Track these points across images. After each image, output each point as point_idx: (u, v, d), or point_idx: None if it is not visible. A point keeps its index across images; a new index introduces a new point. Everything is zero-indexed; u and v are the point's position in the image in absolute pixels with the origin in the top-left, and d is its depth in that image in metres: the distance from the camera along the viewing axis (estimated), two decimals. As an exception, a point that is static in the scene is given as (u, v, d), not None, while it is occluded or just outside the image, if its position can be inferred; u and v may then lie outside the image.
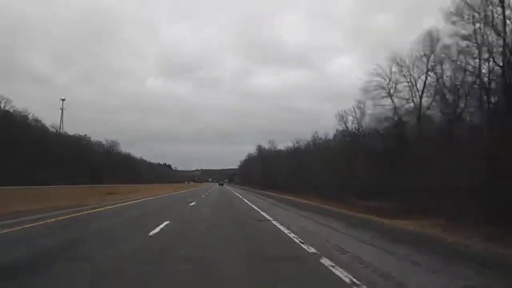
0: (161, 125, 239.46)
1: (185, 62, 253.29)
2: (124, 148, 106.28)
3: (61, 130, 76.98)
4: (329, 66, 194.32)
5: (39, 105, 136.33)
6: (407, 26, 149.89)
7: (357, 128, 35.31)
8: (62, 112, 76.78)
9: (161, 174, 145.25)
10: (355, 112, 35.13)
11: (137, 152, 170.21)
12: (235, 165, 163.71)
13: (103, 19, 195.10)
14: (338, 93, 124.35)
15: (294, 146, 59.55)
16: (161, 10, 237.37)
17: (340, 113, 36.37)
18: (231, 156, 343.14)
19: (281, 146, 78.88)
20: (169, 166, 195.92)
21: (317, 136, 52.38)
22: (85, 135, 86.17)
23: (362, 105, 34.61)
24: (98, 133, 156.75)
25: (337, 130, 42.34)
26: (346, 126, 36.24)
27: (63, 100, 76.75)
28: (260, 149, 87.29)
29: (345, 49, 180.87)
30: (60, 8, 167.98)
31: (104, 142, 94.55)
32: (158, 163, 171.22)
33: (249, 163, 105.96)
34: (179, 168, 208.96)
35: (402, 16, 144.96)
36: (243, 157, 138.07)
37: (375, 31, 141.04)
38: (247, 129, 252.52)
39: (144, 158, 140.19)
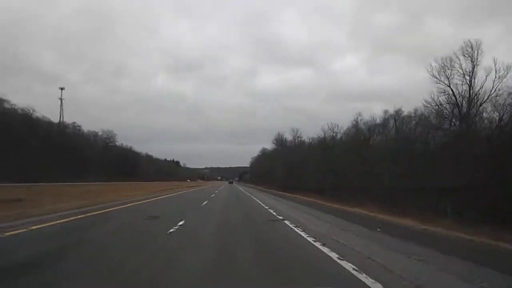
0: (170, 123, 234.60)
1: (190, 60, 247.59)
2: (135, 146, 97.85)
3: (60, 122, 68.83)
4: (334, 65, 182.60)
5: (43, 102, 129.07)
6: (410, 25, 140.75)
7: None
8: (61, 102, 69.31)
9: (167, 171, 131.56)
10: (461, 64, 19.84)
11: (147, 149, 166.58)
12: (244, 163, 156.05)
13: (108, 17, 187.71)
14: (343, 92, 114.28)
15: (325, 135, 44.61)
16: (166, 8, 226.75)
17: (442, 63, 20.84)
18: (240, 155, 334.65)
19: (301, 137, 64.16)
20: (177, 162, 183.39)
21: (361, 119, 37.31)
22: (74, 122, 72.66)
23: (476, 48, 19.44)
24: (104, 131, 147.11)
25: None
26: (452, 90, 20.53)
27: (62, 89, 70.37)
28: (280, 140, 71.14)
29: (349, 48, 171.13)
30: (61, 5, 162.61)
31: (100, 133, 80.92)
32: (165, 159, 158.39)
33: (262, 159, 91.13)
34: (189, 166, 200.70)
35: (405, 15, 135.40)
36: (252, 155, 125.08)
37: (379, 29, 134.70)
38: (255, 128, 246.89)
39: (152, 154, 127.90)
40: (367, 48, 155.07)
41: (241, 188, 64.59)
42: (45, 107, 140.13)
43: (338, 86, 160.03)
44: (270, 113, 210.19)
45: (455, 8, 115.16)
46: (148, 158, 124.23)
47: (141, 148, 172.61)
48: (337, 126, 42.80)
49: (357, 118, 37.70)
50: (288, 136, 66.82)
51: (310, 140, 50.96)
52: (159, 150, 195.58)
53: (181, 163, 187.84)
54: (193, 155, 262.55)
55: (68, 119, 73.89)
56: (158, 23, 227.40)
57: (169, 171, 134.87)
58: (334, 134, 42.89)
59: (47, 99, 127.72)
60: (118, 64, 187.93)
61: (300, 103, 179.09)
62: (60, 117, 70.60)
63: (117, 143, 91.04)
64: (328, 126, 44.42)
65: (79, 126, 71.88)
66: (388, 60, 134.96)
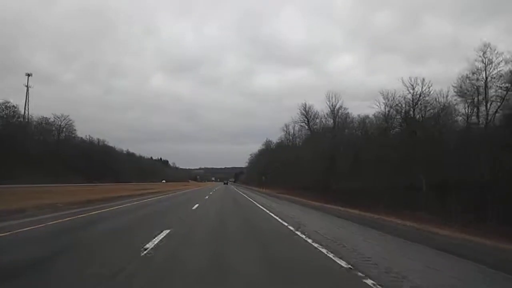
0: (165, 123, 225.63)
1: (187, 60, 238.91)
2: (130, 146, 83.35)
3: (26, 111, 56.01)
4: (332, 64, 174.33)
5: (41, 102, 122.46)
6: (408, 24, 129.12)
7: None
8: (27, 90, 57.53)
9: (151, 170, 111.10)
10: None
11: (140, 150, 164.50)
12: (239, 164, 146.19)
13: (104, 17, 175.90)
14: (341, 91, 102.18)
15: (388, 107, 25.03)
16: (162, 8, 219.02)
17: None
18: (236, 155, 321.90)
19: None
20: (166, 162, 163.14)
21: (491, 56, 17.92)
22: (7, 102, 51.76)
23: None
24: (101, 132, 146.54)
25: None
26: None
27: (28, 75, 58.64)
28: (306, 115, 45.32)
29: (346, 47, 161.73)
30: (59, 5, 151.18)
31: (52, 119, 60.47)
32: (151, 157, 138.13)
33: (267, 153, 71.43)
34: (183, 166, 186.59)
35: (401, 14, 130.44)
36: (248, 155, 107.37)
37: (377, 29, 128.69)
38: (251, 128, 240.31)
39: (133, 151, 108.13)
40: (365, 47, 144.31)
41: (246, 195, 32.98)
42: (41, 107, 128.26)
43: (336, 85, 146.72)
44: (267, 113, 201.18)
45: (453, 8, 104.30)
46: (129, 156, 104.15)
47: (136, 148, 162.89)
48: (422, 80, 23.38)
49: (484, 55, 18.24)
50: (317, 107, 46.01)
51: (360, 116, 31.07)
52: (153, 150, 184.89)
53: (171, 163, 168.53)
54: (188, 155, 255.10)
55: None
56: (155, 22, 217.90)
57: (153, 170, 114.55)
58: (415, 96, 23.24)
59: (41, 98, 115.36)
60: (113, 63, 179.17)
61: (297, 103, 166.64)
62: (25, 106, 56.49)
63: (85, 137, 71.39)
64: (404, 83, 24.71)
65: (15, 107, 51.40)
66: (386, 59, 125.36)
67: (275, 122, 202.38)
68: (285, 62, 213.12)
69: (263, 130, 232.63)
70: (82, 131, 77.62)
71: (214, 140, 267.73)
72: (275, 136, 79.66)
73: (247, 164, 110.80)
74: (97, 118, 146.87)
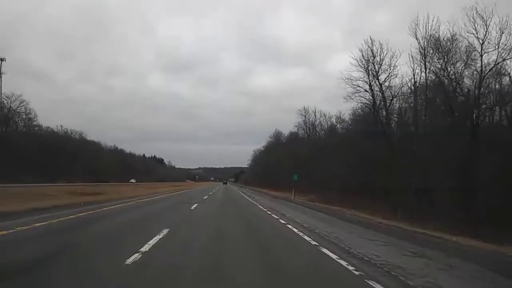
0: (161, 123, 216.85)
1: (185, 60, 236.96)
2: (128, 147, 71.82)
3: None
4: (330, 64, 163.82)
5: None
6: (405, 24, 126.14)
7: None
8: (0, 75, 48.88)
9: (144, 169, 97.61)
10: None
11: (139, 149, 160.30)
12: (239, 164, 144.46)
13: (101, 15, 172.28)
14: (340, 91, 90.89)
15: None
16: (160, 7, 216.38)
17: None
18: (235, 155, 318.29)
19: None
20: (161, 160, 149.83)
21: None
22: None
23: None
24: (99, 131, 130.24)
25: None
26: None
27: (2, 60, 49.84)
28: (365, 66, 22.81)
29: (345, 47, 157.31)
30: (55, 4, 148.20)
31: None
32: (144, 154, 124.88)
33: (276, 148, 57.75)
34: (181, 166, 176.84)
35: (401, 13, 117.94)
36: (247, 155, 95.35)
37: (375, 28, 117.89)
38: (250, 128, 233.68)
39: (119, 147, 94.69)
40: (362, 46, 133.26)
41: (265, 209, 17.04)
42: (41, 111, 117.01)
43: (335, 85, 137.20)
44: (266, 113, 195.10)
45: (453, 6, 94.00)
46: (116, 152, 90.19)
47: (134, 149, 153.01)
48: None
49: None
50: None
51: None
52: (153, 150, 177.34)
53: (166, 161, 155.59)
54: (187, 155, 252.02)
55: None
56: (152, 22, 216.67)
57: (145, 169, 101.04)
58: None
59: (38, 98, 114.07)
60: (111, 63, 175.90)
61: (296, 102, 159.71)
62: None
63: (57, 127, 58.06)
64: None
65: None
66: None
67: (274, 122, 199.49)
68: (284, 62, 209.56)
69: (263, 129, 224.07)
70: (82, 130, 67.15)
71: (213, 140, 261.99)
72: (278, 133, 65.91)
73: (249, 162, 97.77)
74: (96, 118, 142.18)
